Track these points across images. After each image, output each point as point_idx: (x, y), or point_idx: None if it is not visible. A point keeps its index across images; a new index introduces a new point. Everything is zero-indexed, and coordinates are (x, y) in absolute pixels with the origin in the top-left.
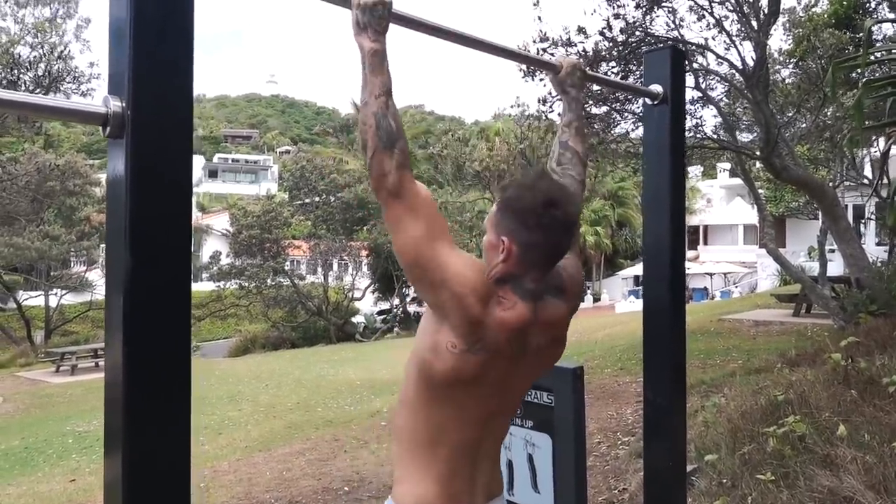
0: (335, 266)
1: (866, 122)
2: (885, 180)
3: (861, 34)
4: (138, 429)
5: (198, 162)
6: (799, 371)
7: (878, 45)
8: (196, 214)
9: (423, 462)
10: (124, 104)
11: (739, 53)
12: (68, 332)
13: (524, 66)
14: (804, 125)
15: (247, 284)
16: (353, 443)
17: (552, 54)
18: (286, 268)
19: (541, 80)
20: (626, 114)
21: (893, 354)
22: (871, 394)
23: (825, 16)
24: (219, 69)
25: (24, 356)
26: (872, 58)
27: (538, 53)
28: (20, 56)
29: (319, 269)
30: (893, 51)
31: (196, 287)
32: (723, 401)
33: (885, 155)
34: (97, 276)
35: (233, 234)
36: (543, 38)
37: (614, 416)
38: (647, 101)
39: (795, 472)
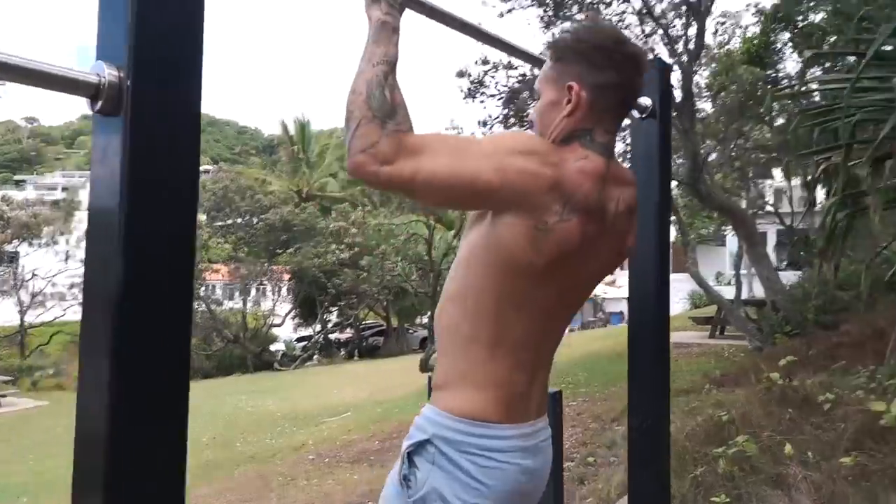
0: (254, 291)
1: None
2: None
3: (769, 71)
4: (124, 474)
5: None
6: (725, 391)
7: (783, 81)
8: None
9: (483, 365)
10: (122, 73)
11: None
12: None
13: (465, 88)
14: (714, 156)
15: None
16: (279, 479)
17: (493, 77)
18: (201, 293)
19: (482, 102)
20: None
21: (823, 373)
22: (806, 412)
23: (738, 53)
24: None
25: None
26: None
27: (479, 76)
28: None
29: (237, 294)
30: (827, 84)
31: None
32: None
33: (815, 181)
34: None
35: None
36: (485, 61)
37: None
38: (636, 114)
39: (748, 493)
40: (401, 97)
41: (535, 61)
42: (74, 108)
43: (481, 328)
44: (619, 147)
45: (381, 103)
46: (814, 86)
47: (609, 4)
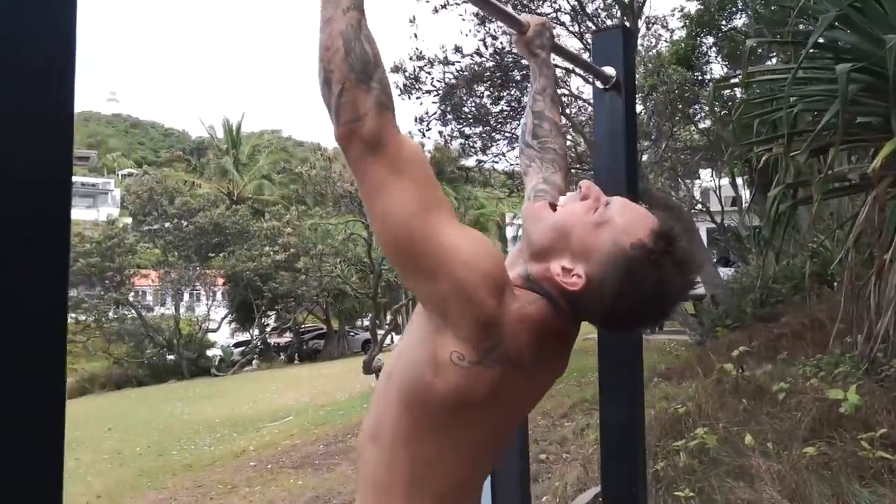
0: (187, 296)
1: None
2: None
3: (697, 73)
4: None
5: None
6: (672, 385)
7: (708, 84)
8: None
9: None
10: None
11: None
12: None
13: (400, 83)
14: (646, 157)
15: (84, 318)
16: (218, 488)
17: (429, 72)
18: (131, 298)
19: (417, 98)
20: (505, 132)
21: (769, 363)
22: (761, 402)
23: (668, 55)
24: None
25: None
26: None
27: (414, 71)
28: None
29: (169, 300)
30: (768, 74)
31: None
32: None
33: (760, 172)
34: None
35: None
36: (419, 56)
37: None
38: (599, 84)
39: (711, 486)
40: (376, 45)
41: (498, 13)
42: None
43: (397, 473)
44: (583, 119)
45: (362, 59)
46: (756, 75)
47: (542, 2)
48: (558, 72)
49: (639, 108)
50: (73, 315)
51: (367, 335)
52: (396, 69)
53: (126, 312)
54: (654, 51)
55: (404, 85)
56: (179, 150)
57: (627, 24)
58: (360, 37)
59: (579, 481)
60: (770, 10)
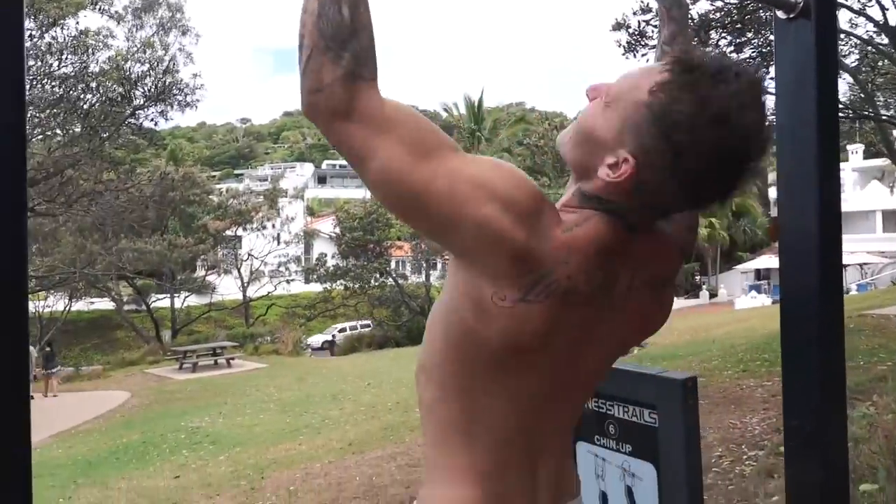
0: (439, 265)
1: None
2: None
3: None
4: None
5: (307, 169)
6: None
7: None
8: (306, 218)
9: (461, 456)
10: None
11: (882, 6)
12: (193, 331)
13: (624, 41)
14: None
15: (352, 285)
16: None
17: (654, 26)
18: (390, 268)
19: (643, 55)
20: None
21: None
22: None
23: None
24: None
25: (153, 354)
26: None
27: (639, 26)
28: (130, 71)
29: (423, 269)
30: None
31: (306, 288)
32: (873, 411)
33: None
34: (217, 279)
35: (338, 237)
36: (645, 9)
37: (738, 425)
38: (780, 14)
39: None
40: (366, 17)
41: None
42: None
43: (450, 409)
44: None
45: (337, 25)
46: None
47: None
48: None
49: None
50: (344, 282)
51: None
52: (619, 26)
53: (386, 280)
54: None
55: (628, 43)
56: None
57: None
58: (342, 6)
59: None
60: None
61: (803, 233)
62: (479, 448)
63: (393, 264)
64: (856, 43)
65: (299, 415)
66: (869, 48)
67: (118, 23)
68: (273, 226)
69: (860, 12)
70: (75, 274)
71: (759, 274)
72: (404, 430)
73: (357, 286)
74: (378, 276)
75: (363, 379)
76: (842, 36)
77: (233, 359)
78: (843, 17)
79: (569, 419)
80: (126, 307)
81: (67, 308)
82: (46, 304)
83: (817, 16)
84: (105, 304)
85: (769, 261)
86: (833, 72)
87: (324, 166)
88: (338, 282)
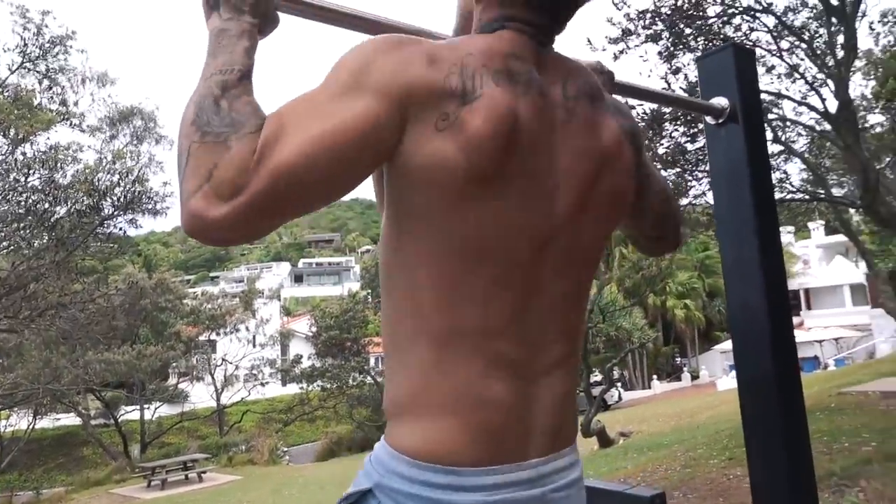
0: None
1: None
2: None
3: None
4: None
5: (284, 268)
6: None
7: None
8: (282, 319)
9: (432, 373)
10: None
11: (820, 96)
12: (164, 443)
13: None
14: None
15: (329, 385)
16: None
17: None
18: (368, 366)
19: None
20: (698, 174)
21: None
22: None
23: None
24: None
25: (120, 472)
26: None
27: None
28: (99, 182)
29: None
30: None
31: (283, 391)
32: (862, 497)
33: None
34: (189, 387)
35: (314, 336)
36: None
37: None
38: (709, 120)
39: None
40: (254, 105)
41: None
42: None
43: (423, 317)
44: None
45: (218, 117)
46: None
47: (738, 28)
48: None
49: (875, 118)
50: (321, 382)
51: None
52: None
53: (364, 379)
54: (890, 51)
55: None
56: None
57: (843, 29)
58: (222, 97)
59: None
60: None
61: (753, 314)
62: (457, 362)
63: (372, 361)
64: (801, 131)
65: None
66: (814, 134)
67: (92, 134)
68: (247, 328)
69: (801, 102)
70: (39, 389)
71: None
72: None
73: (335, 386)
74: (357, 374)
75: (343, 487)
76: (789, 123)
77: (205, 472)
78: (789, 107)
79: (571, 326)
80: (94, 422)
81: (31, 426)
82: (9, 422)
83: (745, 119)
84: (71, 419)
85: None
86: (765, 165)
87: (300, 265)
88: (315, 383)
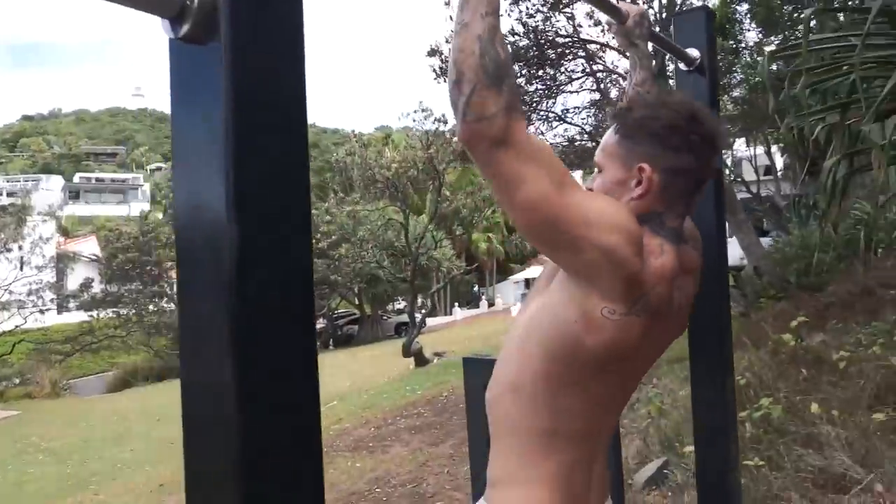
0: None
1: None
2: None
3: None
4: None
5: (56, 182)
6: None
7: (744, 52)
8: (58, 239)
9: (539, 459)
10: None
11: None
12: None
13: (437, 67)
14: None
15: (125, 312)
16: None
17: None
18: (171, 292)
19: None
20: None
21: (820, 332)
22: (820, 371)
23: None
24: (77, 83)
25: None
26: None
27: (444, 62)
28: None
29: None
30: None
31: (62, 319)
32: (655, 391)
33: (815, 143)
34: None
35: (105, 259)
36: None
37: None
38: (683, 67)
39: (779, 454)
40: (508, 51)
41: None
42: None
43: (538, 419)
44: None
45: (496, 63)
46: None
47: None
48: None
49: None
50: (114, 309)
51: (400, 318)
52: (433, 52)
53: (165, 305)
54: None
55: (441, 68)
56: None
57: None
58: (495, 41)
59: (640, 454)
60: None
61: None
62: (556, 455)
63: (173, 287)
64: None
65: (81, 463)
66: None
67: None
68: (20, 247)
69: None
70: None
71: (528, 283)
72: None
73: (132, 313)
74: (156, 300)
75: (149, 415)
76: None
77: None
78: (612, 56)
79: (612, 432)
80: None
81: None
82: None
83: (709, 69)
84: None
85: (536, 271)
86: (716, 110)
87: (76, 179)
88: (108, 310)
